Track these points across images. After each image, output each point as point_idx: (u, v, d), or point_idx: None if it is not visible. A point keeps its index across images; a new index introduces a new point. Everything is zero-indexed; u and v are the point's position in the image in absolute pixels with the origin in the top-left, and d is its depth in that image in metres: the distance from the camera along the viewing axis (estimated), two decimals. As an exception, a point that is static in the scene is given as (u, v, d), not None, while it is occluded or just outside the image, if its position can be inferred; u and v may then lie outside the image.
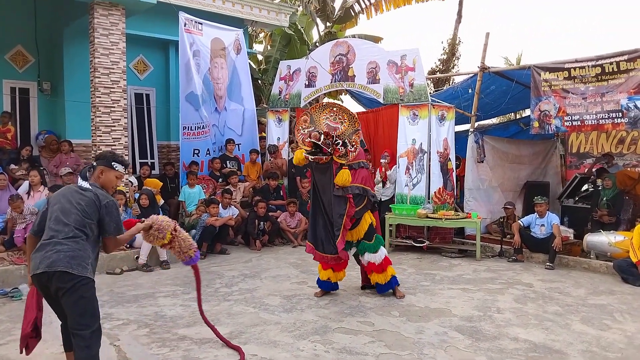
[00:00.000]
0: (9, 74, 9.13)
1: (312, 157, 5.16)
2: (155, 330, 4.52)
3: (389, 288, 5.55)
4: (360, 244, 5.42)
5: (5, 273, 6.01)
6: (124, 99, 8.01)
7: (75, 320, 3.05)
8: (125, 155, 8.01)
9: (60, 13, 8.95)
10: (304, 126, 5.39)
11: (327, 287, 5.62)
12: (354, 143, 5.20)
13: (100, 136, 7.74)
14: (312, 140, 5.13)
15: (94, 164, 3.41)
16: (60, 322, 3.32)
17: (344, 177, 5.15)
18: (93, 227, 3.17)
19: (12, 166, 7.99)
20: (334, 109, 5.32)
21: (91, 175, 3.35)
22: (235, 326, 4.61)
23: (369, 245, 5.39)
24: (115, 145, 7.84)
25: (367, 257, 5.42)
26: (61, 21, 9.01)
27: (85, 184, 3.28)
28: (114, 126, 7.85)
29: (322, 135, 5.10)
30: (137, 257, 6.90)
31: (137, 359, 3.91)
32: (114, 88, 7.87)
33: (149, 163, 10.20)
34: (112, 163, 3.37)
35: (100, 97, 7.74)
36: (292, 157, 9.91)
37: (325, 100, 16.17)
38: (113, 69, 7.85)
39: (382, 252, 5.44)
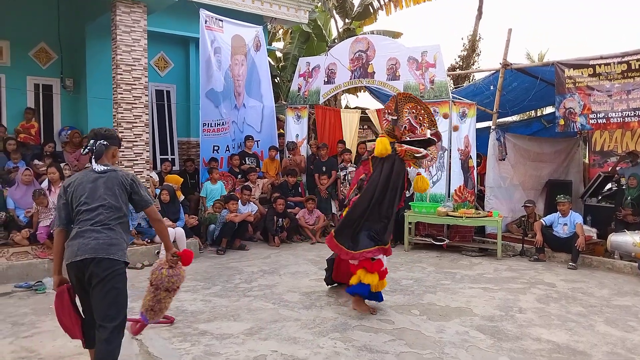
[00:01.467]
0: (33, 70, 9.27)
1: (418, 154, 4.82)
2: (177, 325, 4.56)
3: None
4: None
5: (29, 266, 6.13)
6: (145, 95, 8.07)
7: (102, 311, 3.07)
8: (147, 151, 8.10)
9: (82, 10, 9.04)
10: (389, 111, 5.01)
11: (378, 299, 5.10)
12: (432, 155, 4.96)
13: (122, 132, 7.81)
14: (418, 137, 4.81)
15: (105, 143, 3.30)
16: (84, 318, 3.31)
17: (424, 184, 5.15)
18: (124, 209, 3.21)
19: (36, 162, 8.12)
20: (420, 107, 4.94)
21: (104, 154, 3.29)
22: (255, 322, 4.62)
23: None
24: (136, 141, 7.91)
25: None
26: (83, 18, 9.10)
27: (102, 167, 3.25)
28: (136, 122, 7.92)
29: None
30: (158, 252, 6.97)
31: (159, 353, 3.95)
32: (135, 85, 7.93)
33: (170, 159, 10.29)
34: (120, 142, 3.51)
35: (122, 93, 7.81)
36: (311, 154, 10.08)
37: (344, 97, 16.14)
38: (135, 65, 7.91)
39: None
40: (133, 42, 7.88)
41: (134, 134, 7.90)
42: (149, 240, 7.24)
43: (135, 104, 7.93)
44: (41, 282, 5.79)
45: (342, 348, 4.06)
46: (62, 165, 7.99)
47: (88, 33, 9.20)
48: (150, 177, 8.31)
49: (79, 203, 3.15)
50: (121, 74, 7.80)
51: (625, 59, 7.12)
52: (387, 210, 4.94)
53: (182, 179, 8.61)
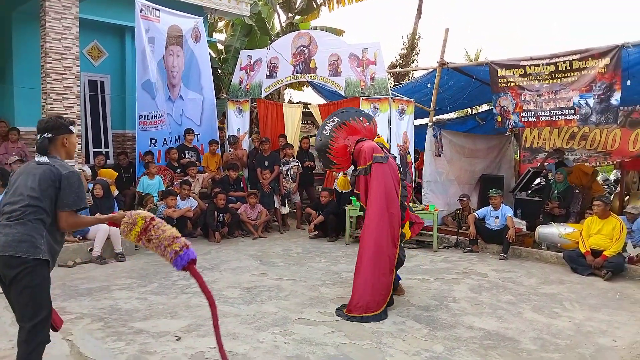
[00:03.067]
0: (-48, 57, 8.64)
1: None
2: (110, 324, 4.40)
3: None
4: None
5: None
6: (77, 85, 7.69)
7: (19, 311, 2.87)
8: (79, 144, 7.73)
9: (8, -5, 8.50)
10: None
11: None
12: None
13: (52, 124, 7.43)
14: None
15: (49, 135, 3.04)
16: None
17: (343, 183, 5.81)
18: (47, 204, 2.91)
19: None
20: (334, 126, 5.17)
21: (51, 147, 3.05)
22: (193, 319, 4.53)
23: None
24: (67, 133, 7.55)
25: None
26: (10, 3, 8.55)
27: (43, 158, 2.99)
28: (67, 114, 7.49)
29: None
30: (91, 250, 6.68)
31: (91, 353, 3.79)
32: (66, 74, 7.53)
33: (104, 152, 9.88)
34: (70, 127, 3.14)
35: (51, 83, 7.41)
36: (253, 148, 9.98)
37: (287, 92, 16.10)
38: (65, 54, 7.51)
39: None
40: (64, 30, 7.48)
41: (64, 126, 7.53)
42: (81, 237, 6.92)
43: (66, 94, 7.54)
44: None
45: (282, 342, 4.06)
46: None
47: (15, 19, 8.66)
48: (82, 171, 7.95)
49: (6, 193, 2.97)
50: (50, 63, 7.39)
51: (553, 60, 7.51)
52: None
53: (117, 173, 8.30)
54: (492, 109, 8.63)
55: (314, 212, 8.78)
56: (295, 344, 4.02)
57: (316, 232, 8.65)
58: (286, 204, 9.48)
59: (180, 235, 3.16)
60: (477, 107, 14.77)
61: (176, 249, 3.08)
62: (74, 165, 7.25)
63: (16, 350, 2.89)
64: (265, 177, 9.14)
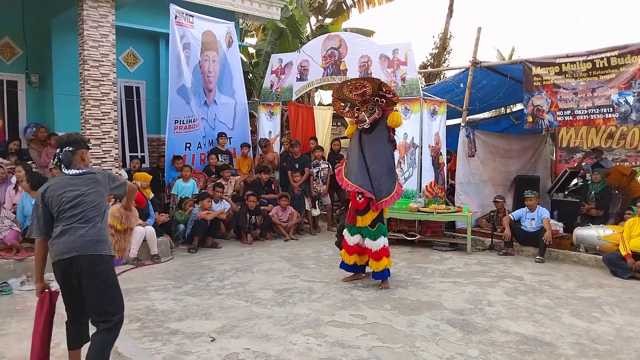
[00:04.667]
0: (-4, 65, 9.01)
1: (369, 117, 5.56)
2: (147, 324, 4.50)
3: (381, 277, 5.70)
4: (364, 229, 5.66)
5: (-6, 267, 5.95)
6: (114, 91, 7.93)
7: (102, 308, 3.10)
8: (116, 148, 7.95)
9: (48, 4, 8.80)
10: (343, 106, 5.93)
11: (355, 270, 5.95)
12: (387, 91, 5.57)
13: (90, 129, 7.66)
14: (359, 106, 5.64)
15: (70, 149, 3.27)
16: (67, 319, 3.30)
17: (398, 118, 5.64)
18: (105, 205, 3.26)
19: (0, 160, 7.89)
20: (349, 83, 5.73)
21: (73, 159, 3.27)
22: (227, 320, 4.60)
23: (369, 231, 5.63)
24: (105, 138, 7.77)
25: (367, 243, 5.66)
26: (49, 12, 8.87)
27: (75, 170, 3.24)
28: (104, 119, 7.77)
29: (362, 103, 5.60)
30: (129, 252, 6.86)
31: (128, 353, 3.89)
32: (103, 81, 7.78)
33: (139, 156, 10.12)
34: (87, 144, 3.51)
35: (89, 89, 7.66)
36: (284, 151, 10.05)
37: (318, 95, 16.15)
38: (103, 61, 7.76)
39: (381, 241, 5.62)
40: (101, 37, 7.73)
41: (102, 131, 7.76)
42: (119, 239, 7.11)
43: (104, 100, 7.79)
44: (6, 282, 5.63)
45: (315, 344, 4.08)
46: (29, 163, 7.79)
47: (54, 27, 8.97)
48: (120, 175, 8.16)
49: (60, 203, 3.12)
50: (89, 70, 7.64)
51: (590, 57, 7.32)
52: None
53: (152, 177, 8.48)
54: (524, 108, 8.45)
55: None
56: (327, 347, 4.03)
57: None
58: (317, 206, 9.51)
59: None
60: (511, 106, 14.49)
61: (120, 256, 3.61)
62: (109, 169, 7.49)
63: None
64: (295, 180, 9.20)
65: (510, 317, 4.79)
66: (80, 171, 3.24)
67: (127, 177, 8.37)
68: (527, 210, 7.60)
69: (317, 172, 9.40)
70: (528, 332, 4.39)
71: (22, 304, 5.10)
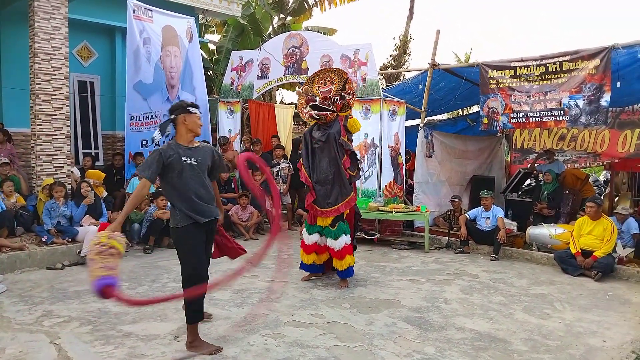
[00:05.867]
0: (-62, 58, 8.52)
1: (317, 113, 5.52)
2: (99, 327, 4.35)
3: (347, 275, 5.72)
4: (325, 229, 5.66)
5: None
6: (66, 86, 7.63)
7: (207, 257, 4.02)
8: (68, 145, 7.66)
9: (-4, -6, 8.41)
10: (303, 101, 5.77)
11: (314, 270, 5.96)
12: (349, 90, 5.58)
13: (41, 125, 7.34)
14: (311, 106, 5.55)
15: (172, 116, 3.90)
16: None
17: (356, 124, 5.62)
18: None
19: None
20: (320, 75, 5.80)
21: (172, 127, 3.91)
22: (183, 321, 4.44)
23: (330, 231, 5.63)
24: (56, 134, 7.47)
25: (329, 243, 5.66)
26: (-3, 3, 8.46)
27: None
28: (55, 115, 7.47)
29: (319, 98, 5.55)
30: (80, 252, 6.61)
31: (79, 357, 3.74)
32: (55, 75, 7.48)
33: (93, 154, 9.79)
34: (188, 108, 3.90)
35: (40, 84, 7.34)
36: (244, 149, 9.93)
37: (279, 93, 16.06)
38: (54, 54, 7.46)
39: (343, 240, 5.60)
40: (53, 30, 7.43)
41: (53, 127, 7.46)
42: (70, 240, 6.86)
43: (55, 95, 7.48)
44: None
45: (273, 345, 4.04)
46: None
47: (3, 19, 8.55)
48: (72, 172, 7.87)
49: (185, 174, 3.80)
50: (39, 63, 7.34)
51: (544, 62, 7.56)
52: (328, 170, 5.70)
53: (104, 175, 8.22)
54: (479, 110, 8.66)
55: (305, 214, 8.73)
56: (286, 347, 4.00)
57: (308, 234, 8.61)
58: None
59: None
60: (468, 108, 14.83)
61: (99, 274, 3.37)
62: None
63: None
64: (256, 179, 9.10)
65: (465, 314, 4.88)
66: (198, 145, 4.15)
67: (79, 175, 8.11)
68: (483, 209, 7.79)
69: (278, 171, 9.34)
70: (483, 329, 4.49)
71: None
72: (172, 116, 3.88)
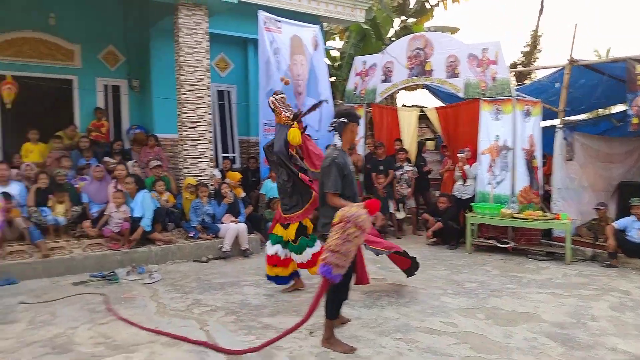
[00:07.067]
0: (102, 72, 9.72)
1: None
2: (242, 317, 4.66)
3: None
4: (289, 244, 5.35)
5: (103, 258, 6.44)
6: (208, 95, 8.29)
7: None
8: (210, 149, 8.30)
9: (146, 14, 9.35)
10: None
11: (279, 282, 5.57)
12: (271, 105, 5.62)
13: (186, 131, 8.07)
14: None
15: (344, 120, 3.94)
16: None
17: (293, 135, 5.51)
18: None
19: (107, 159, 8.51)
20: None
21: (342, 131, 3.96)
22: (316, 318, 4.60)
23: (293, 246, 5.31)
24: (200, 140, 8.15)
25: (294, 257, 5.37)
26: (148, 22, 9.43)
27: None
28: (199, 122, 8.16)
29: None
30: (221, 247, 7.17)
31: (225, 345, 4.01)
32: (198, 85, 8.16)
33: (230, 157, 10.53)
34: (358, 119, 4.04)
35: (185, 94, 8.06)
36: (368, 152, 10.01)
37: (400, 95, 15.96)
38: (197, 67, 8.14)
39: (308, 252, 5.31)
40: (195, 44, 8.12)
41: (197, 133, 8.14)
42: (214, 235, 7.45)
43: (199, 104, 8.16)
44: (114, 272, 6.07)
45: (406, 349, 4.01)
46: (130, 162, 8.35)
47: (152, 36, 9.52)
48: (213, 174, 8.53)
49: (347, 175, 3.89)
50: (184, 75, 8.05)
51: None
52: None
53: (241, 175, 8.78)
54: (627, 109, 7.83)
55: (431, 218, 8.59)
56: (419, 352, 3.95)
57: (434, 239, 8.45)
58: (401, 208, 9.38)
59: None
60: (611, 107, 13.48)
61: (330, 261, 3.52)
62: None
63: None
64: (379, 182, 9.14)
65: (617, 334, 4.43)
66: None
67: (220, 176, 8.76)
68: (634, 219, 7.01)
69: (401, 174, 9.27)
70: (638, 352, 4.04)
71: (129, 292, 5.48)
72: (345, 120, 3.97)
